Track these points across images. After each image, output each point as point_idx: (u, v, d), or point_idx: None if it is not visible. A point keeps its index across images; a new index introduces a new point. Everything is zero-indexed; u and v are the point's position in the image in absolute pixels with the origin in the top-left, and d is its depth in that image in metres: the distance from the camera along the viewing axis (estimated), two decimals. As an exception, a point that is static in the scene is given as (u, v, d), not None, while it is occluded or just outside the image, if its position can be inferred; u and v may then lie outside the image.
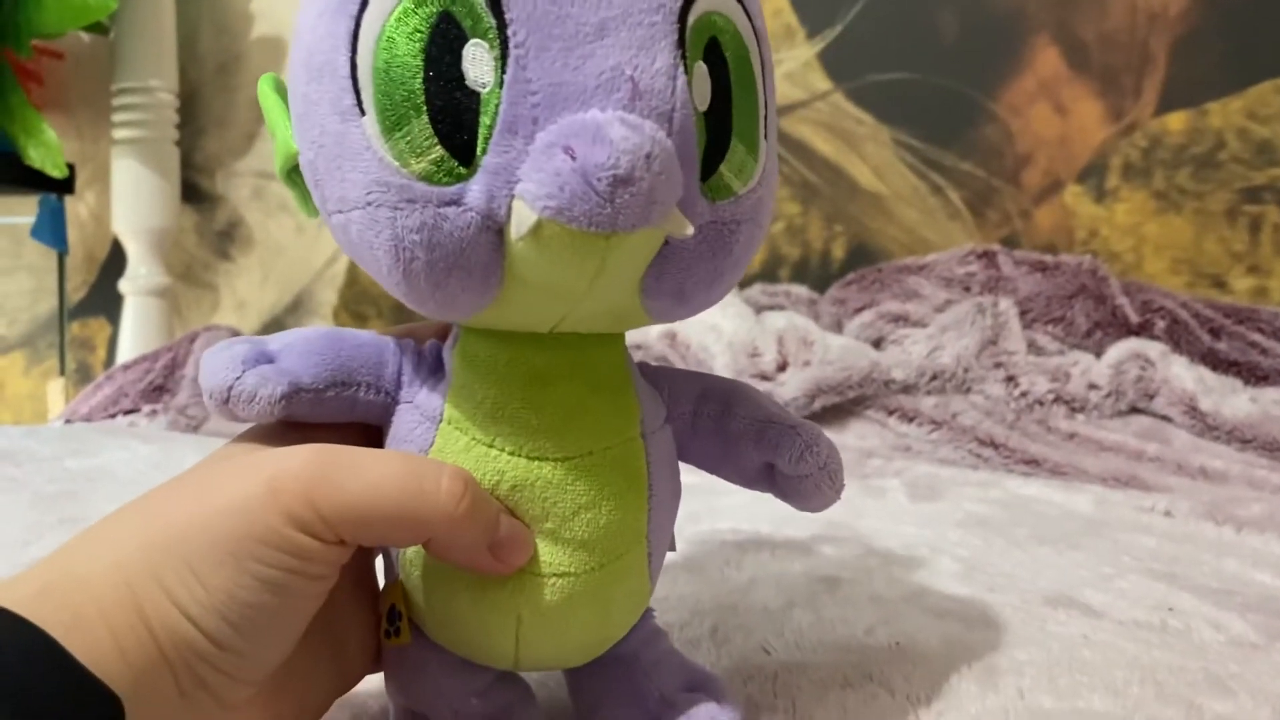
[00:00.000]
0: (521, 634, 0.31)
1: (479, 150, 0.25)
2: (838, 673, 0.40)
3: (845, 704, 0.38)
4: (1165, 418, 1.03)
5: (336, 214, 0.28)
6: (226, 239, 1.70)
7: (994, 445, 0.99)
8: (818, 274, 1.36)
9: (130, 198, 1.53)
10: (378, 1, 0.26)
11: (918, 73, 1.29)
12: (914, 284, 1.24)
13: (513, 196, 0.25)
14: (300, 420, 0.31)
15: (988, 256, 1.22)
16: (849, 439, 1.05)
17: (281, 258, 1.66)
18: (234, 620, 0.26)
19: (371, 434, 0.33)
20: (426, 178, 0.25)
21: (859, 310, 1.23)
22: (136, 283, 1.55)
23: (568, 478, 0.30)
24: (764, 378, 1.12)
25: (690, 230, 0.26)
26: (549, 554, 0.30)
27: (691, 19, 0.26)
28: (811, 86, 1.33)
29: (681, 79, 0.26)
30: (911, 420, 1.06)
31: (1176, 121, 1.20)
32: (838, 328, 1.23)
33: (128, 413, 1.25)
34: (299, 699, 0.32)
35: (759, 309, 1.25)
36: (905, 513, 0.75)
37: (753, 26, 0.29)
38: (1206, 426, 0.99)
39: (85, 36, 1.61)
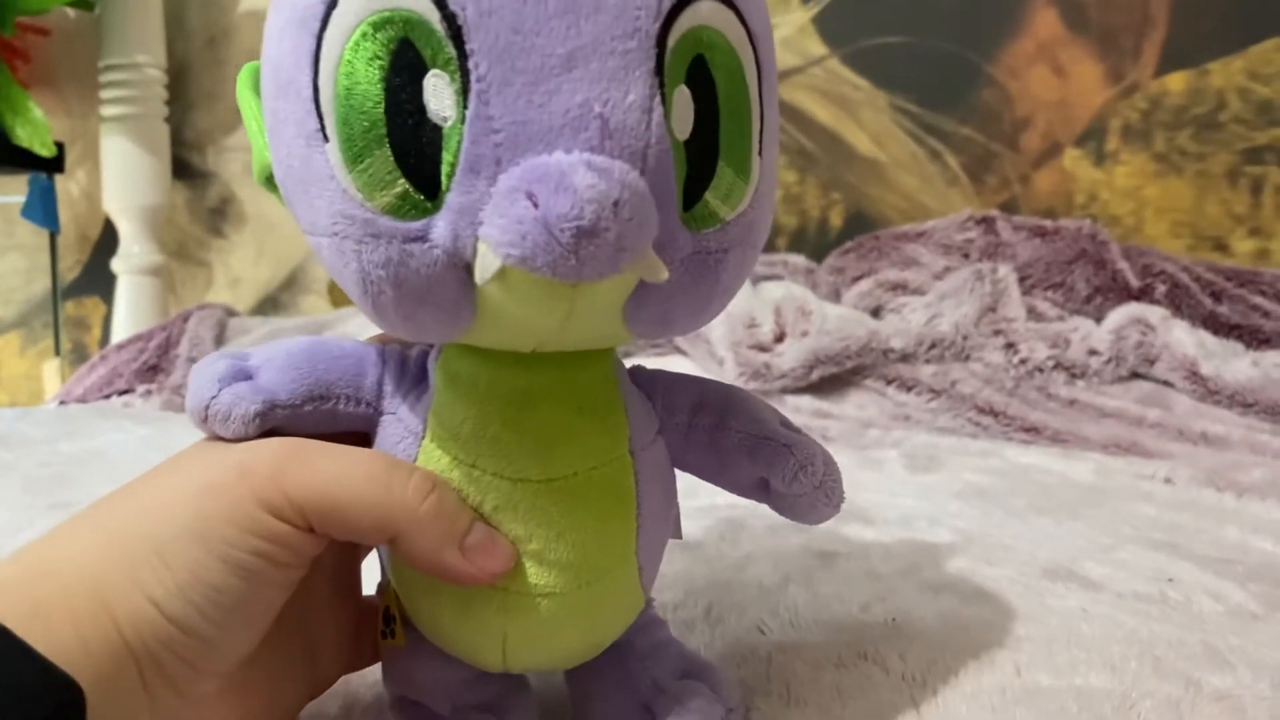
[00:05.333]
0: (508, 647, 0.31)
1: (443, 186, 0.24)
2: (832, 652, 0.40)
3: (839, 685, 0.37)
4: (1166, 383, 1.02)
5: (309, 234, 0.27)
6: (219, 216, 1.69)
7: (993, 413, 0.99)
8: (815, 242, 1.35)
9: (121, 176, 1.51)
10: (337, 21, 0.24)
11: (914, 36, 1.28)
12: (912, 251, 1.23)
13: (478, 237, 0.24)
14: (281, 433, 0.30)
15: (986, 222, 1.21)
16: (848, 409, 1.04)
17: (275, 233, 1.65)
18: (198, 603, 0.26)
19: (362, 444, 0.32)
20: (391, 212, 0.24)
21: (857, 279, 1.22)
22: (129, 261, 1.54)
23: (551, 500, 0.29)
24: (761, 348, 1.11)
25: (664, 275, 0.25)
26: (534, 574, 0.29)
27: (673, 40, 0.24)
28: (807, 52, 1.32)
29: (658, 111, 0.24)
30: (910, 389, 1.05)
31: (1177, 82, 1.19)
32: (836, 297, 1.22)
33: (122, 393, 1.25)
34: (267, 699, 0.31)
35: (756, 279, 1.23)
36: (903, 484, 0.74)
37: (749, 32, 0.26)
38: (1208, 391, 0.99)
39: (71, 13, 1.59)
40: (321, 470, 0.27)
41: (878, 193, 1.32)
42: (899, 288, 1.18)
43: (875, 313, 1.18)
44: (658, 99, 0.24)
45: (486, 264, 0.23)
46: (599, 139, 0.23)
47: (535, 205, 0.22)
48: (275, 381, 0.30)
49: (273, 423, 0.30)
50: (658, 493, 0.32)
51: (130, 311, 1.53)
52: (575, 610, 0.30)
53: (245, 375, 0.30)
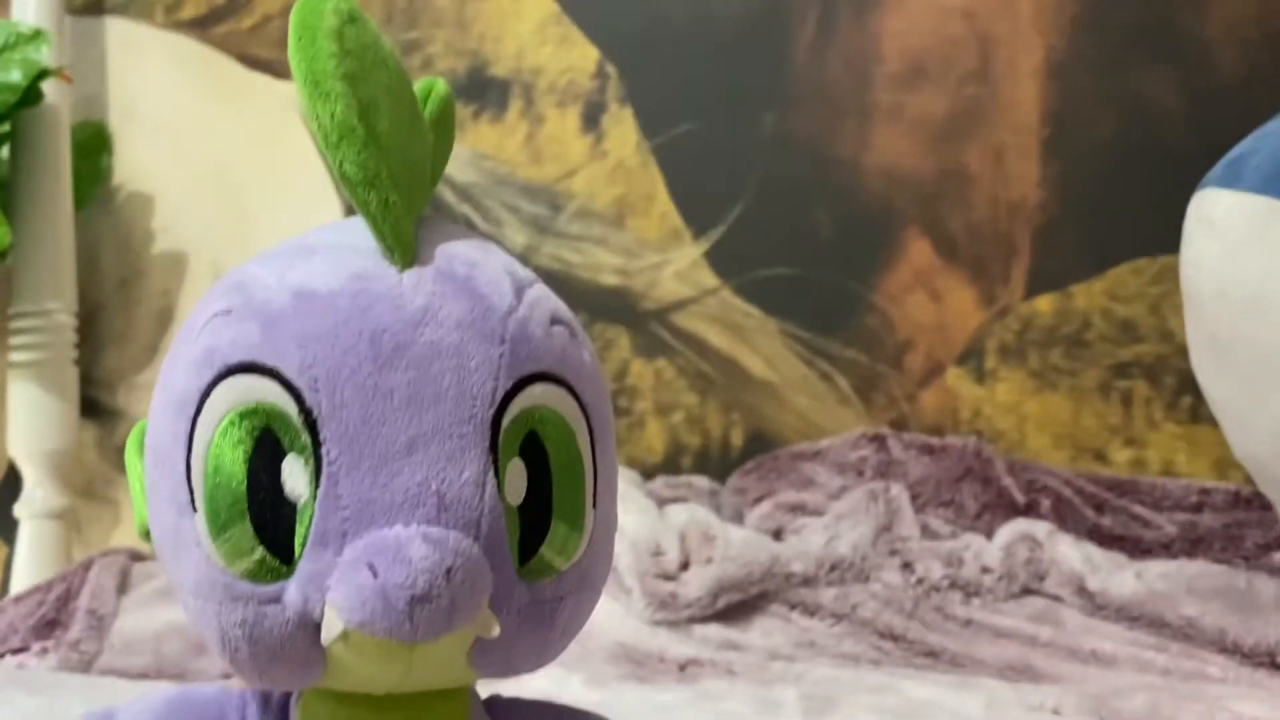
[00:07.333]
0: None
1: (296, 554, 0.26)
2: None
3: None
4: (1057, 598, 1.05)
5: (178, 591, 0.29)
6: (128, 453, 1.67)
7: (894, 638, 1.00)
8: (718, 461, 1.38)
9: (27, 421, 1.50)
10: (209, 410, 0.27)
11: (799, 268, 1.35)
12: (810, 471, 1.26)
13: (325, 602, 0.26)
14: None
15: (878, 440, 1.26)
16: (753, 638, 1.05)
17: (185, 470, 1.63)
18: None
19: None
20: (249, 576, 0.27)
21: (758, 500, 1.25)
22: (33, 506, 1.50)
23: None
24: (667, 577, 1.12)
25: (495, 631, 0.27)
26: None
27: (506, 421, 0.27)
28: (701, 284, 1.38)
29: (491, 484, 0.27)
30: (813, 614, 1.06)
31: (1045, 304, 1.27)
32: (739, 518, 1.24)
33: (16, 652, 1.20)
34: None
35: (662, 502, 1.26)
36: (798, 732, 0.75)
37: (580, 403, 0.30)
38: (1095, 606, 1.02)
39: (-17, 262, 1.61)
40: None
41: (774, 413, 1.37)
42: (798, 509, 1.21)
43: (777, 534, 1.20)
44: (491, 473, 0.27)
45: (332, 626, 0.26)
46: (436, 513, 0.26)
47: (375, 575, 0.25)
48: None
49: None
50: None
51: (31, 558, 1.49)
52: None
53: None
